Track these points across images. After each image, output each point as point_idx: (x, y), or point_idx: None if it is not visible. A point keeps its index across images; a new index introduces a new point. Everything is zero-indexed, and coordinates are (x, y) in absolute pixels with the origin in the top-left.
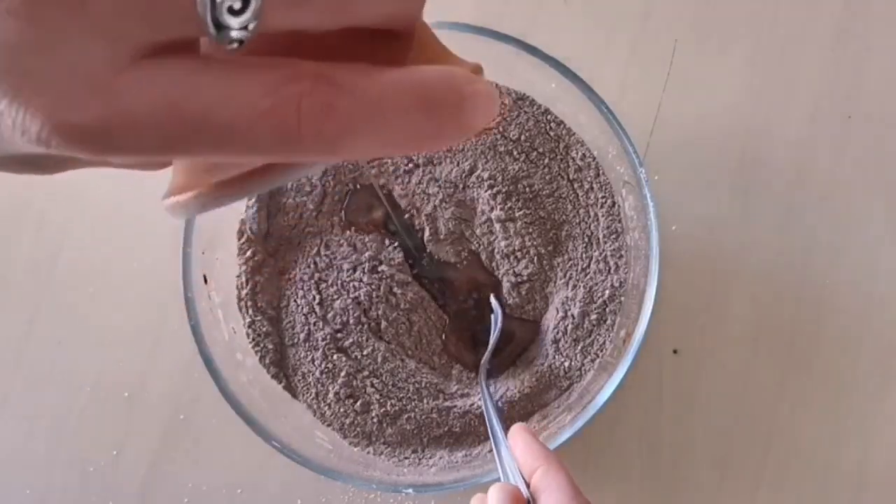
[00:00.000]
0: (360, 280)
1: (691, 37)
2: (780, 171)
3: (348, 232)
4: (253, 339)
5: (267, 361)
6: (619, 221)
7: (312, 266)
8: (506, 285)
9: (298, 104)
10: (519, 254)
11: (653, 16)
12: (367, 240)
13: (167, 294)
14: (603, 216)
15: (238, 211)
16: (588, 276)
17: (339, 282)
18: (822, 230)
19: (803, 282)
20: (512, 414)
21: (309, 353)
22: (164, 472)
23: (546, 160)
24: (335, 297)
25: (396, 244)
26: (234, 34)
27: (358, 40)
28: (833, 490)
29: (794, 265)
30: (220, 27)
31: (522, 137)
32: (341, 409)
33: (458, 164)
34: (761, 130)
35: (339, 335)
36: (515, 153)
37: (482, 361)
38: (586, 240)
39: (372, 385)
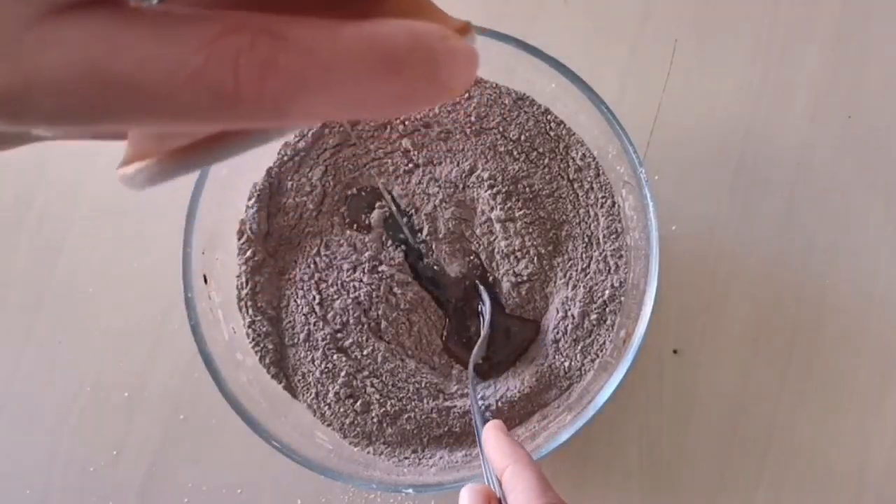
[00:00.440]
0: (360, 280)
1: (691, 37)
2: (780, 171)
3: (348, 232)
4: (253, 339)
5: (267, 361)
6: (619, 221)
7: (312, 266)
8: (506, 285)
9: (236, 61)
10: (519, 254)
11: (653, 16)
12: (367, 240)
13: (167, 294)
14: (603, 216)
15: (238, 211)
16: (588, 276)
17: (339, 282)
18: (822, 230)
19: (803, 282)
20: (512, 413)
21: (309, 353)
22: (164, 472)
23: (546, 160)
24: (335, 297)
25: (397, 244)
26: None
27: None
28: (833, 490)
29: (794, 265)
30: None
31: (522, 137)
32: (341, 409)
33: (458, 164)
34: (761, 130)
35: (339, 335)
36: (515, 153)
37: (472, 356)
38: (586, 240)
39: (372, 385)
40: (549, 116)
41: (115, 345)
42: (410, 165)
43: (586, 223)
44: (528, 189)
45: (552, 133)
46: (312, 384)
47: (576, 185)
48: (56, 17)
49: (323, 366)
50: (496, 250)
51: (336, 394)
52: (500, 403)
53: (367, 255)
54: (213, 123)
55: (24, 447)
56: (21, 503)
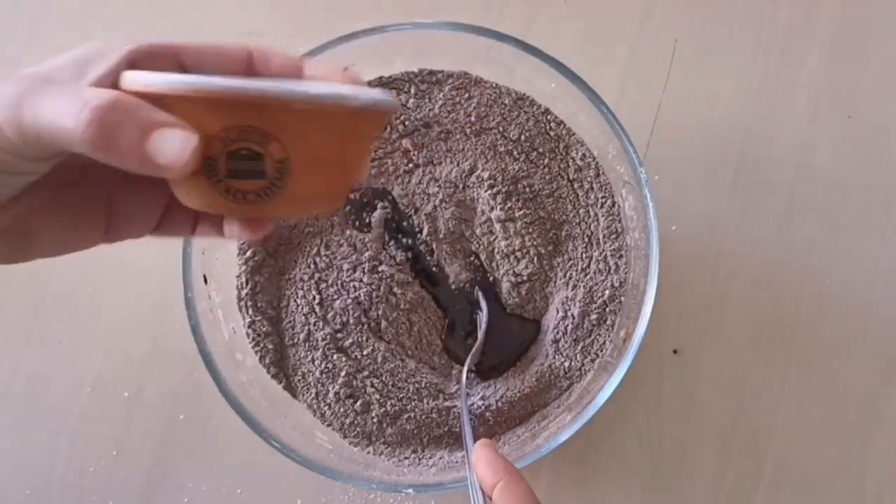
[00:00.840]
0: (360, 280)
1: (691, 37)
2: (780, 170)
3: (348, 231)
4: (253, 339)
5: (267, 361)
6: (619, 221)
7: (312, 266)
8: (506, 285)
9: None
10: (519, 254)
11: (653, 16)
12: (366, 240)
13: (167, 294)
14: (603, 216)
15: None
16: (588, 276)
17: (339, 282)
18: (822, 230)
19: (803, 282)
20: (512, 413)
21: (309, 353)
22: (164, 472)
23: (546, 160)
24: (335, 297)
25: (399, 245)
26: None
27: None
28: (833, 490)
29: (794, 265)
30: None
31: (522, 137)
32: (341, 409)
33: (458, 165)
34: (761, 130)
35: (339, 335)
36: (515, 153)
37: (465, 364)
38: (586, 240)
39: (372, 385)
40: (549, 116)
41: (115, 345)
42: (410, 165)
43: (586, 223)
44: (528, 189)
45: (552, 133)
46: (312, 384)
47: (576, 185)
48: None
49: (323, 366)
50: (496, 250)
51: (336, 394)
52: (500, 403)
53: (366, 255)
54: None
55: (24, 447)
56: (21, 503)
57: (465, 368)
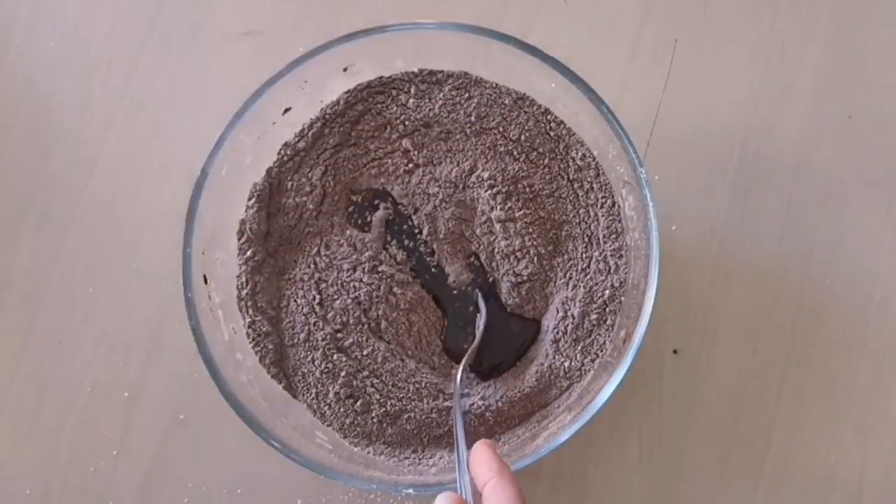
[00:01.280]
0: (360, 280)
1: (691, 37)
2: (780, 170)
3: (348, 231)
4: (253, 339)
5: (267, 361)
6: (619, 221)
7: (312, 266)
8: (506, 285)
9: None
10: (519, 254)
11: (653, 16)
12: (367, 240)
13: (167, 294)
14: (603, 216)
15: (238, 211)
16: (588, 276)
17: (339, 282)
18: (822, 230)
19: (803, 282)
20: (512, 413)
21: (309, 353)
22: (164, 472)
23: (546, 160)
24: (335, 297)
25: (398, 244)
26: None
27: None
28: (833, 490)
29: (794, 265)
30: None
31: (522, 137)
32: (341, 409)
33: (458, 165)
34: (761, 130)
35: (339, 335)
36: (515, 153)
37: (461, 365)
38: (586, 240)
39: (372, 385)
40: (549, 116)
41: (115, 345)
42: (410, 165)
43: (586, 223)
44: (528, 189)
45: (552, 133)
46: (312, 384)
47: (576, 185)
48: None
49: (323, 366)
50: (496, 250)
51: (336, 394)
52: (500, 403)
53: (367, 255)
54: None
55: (24, 447)
56: (21, 503)
57: (461, 368)
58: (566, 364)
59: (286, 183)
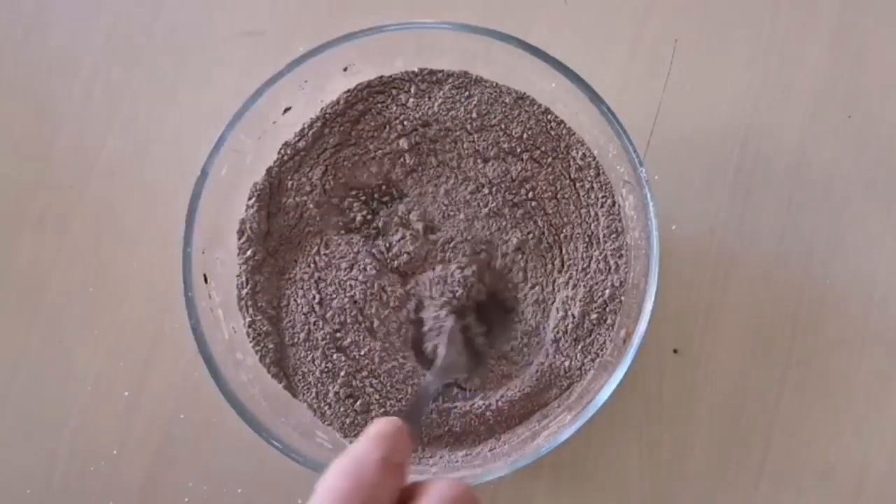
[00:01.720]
0: (356, 279)
1: (691, 36)
2: (780, 170)
3: (347, 230)
4: (253, 339)
5: (267, 361)
6: (620, 221)
7: (312, 265)
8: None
9: None
10: (520, 253)
11: (653, 16)
12: (363, 237)
13: (167, 294)
14: (603, 215)
15: (238, 210)
16: (588, 276)
17: (338, 281)
18: (822, 230)
19: (803, 282)
20: (512, 413)
21: (309, 352)
22: (164, 472)
23: (549, 159)
24: (333, 296)
25: (393, 240)
26: None
27: None
28: (833, 490)
29: (794, 265)
30: None
31: (525, 135)
32: (341, 409)
33: (459, 164)
34: (761, 130)
35: (338, 334)
36: (518, 150)
37: (427, 377)
38: (587, 239)
39: (371, 385)
40: (549, 116)
41: (115, 345)
42: (410, 163)
43: (587, 223)
44: (531, 190)
45: (553, 132)
46: (313, 384)
47: (577, 185)
48: None
49: (323, 365)
50: (497, 248)
51: (336, 393)
52: (500, 403)
53: (362, 252)
54: None
55: (24, 447)
56: (21, 503)
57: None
58: (566, 363)
59: (286, 182)
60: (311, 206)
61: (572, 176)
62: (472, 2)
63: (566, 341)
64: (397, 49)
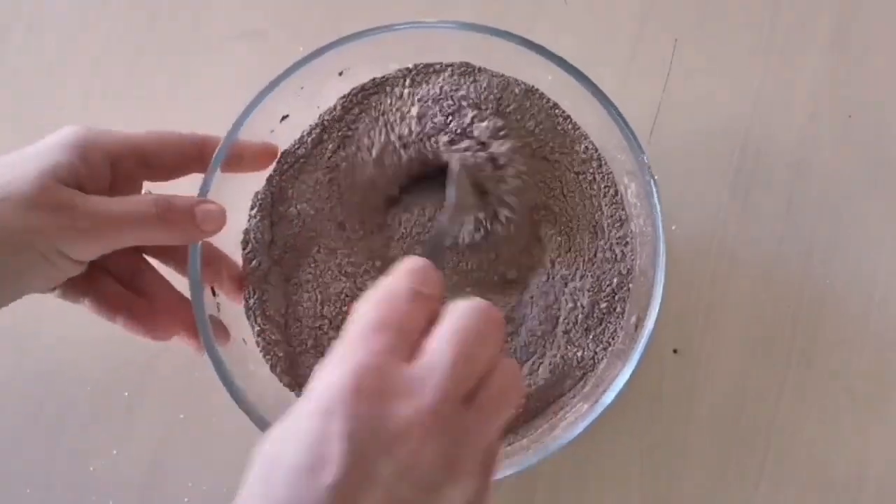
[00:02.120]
0: (357, 278)
1: (691, 36)
2: (780, 170)
3: (349, 234)
4: (263, 349)
5: (278, 370)
6: (623, 210)
7: (316, 270)
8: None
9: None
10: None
11: (653, 15)
12: (367, 240)
13: None
14: (607, 205)
15: (241, 221)
16: (595, 266)
17: (342, 286)
18: (822, 230)
19: (803, 282)
20: (529, 406)
21: (318, 359)
22: (164, 472)
23: (556, 155)
24: (337, 299)
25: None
26: None
27: None
28: (833, 490)
29: (794, 265)
30: None
31: (537, 130)
32: None
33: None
34: (761, 130)
35: None
36: (534, 146)
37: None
38: (592, 230)
39: None
40: (557, 111)
41: (115, 344)
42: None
43: (591, 213)
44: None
45: (560, 128)
46: None
47: (581, 178)
48: None
49: None
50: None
51: None
52: None
53: (366, 254)
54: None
55: (24, 447)
56: (21, 503)
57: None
58: (579, 354)
59: (287, 191)
60: (312, 211)
61: (576, 169)
62: (473, 2)
63: (577, 332)
64: (393, 50)
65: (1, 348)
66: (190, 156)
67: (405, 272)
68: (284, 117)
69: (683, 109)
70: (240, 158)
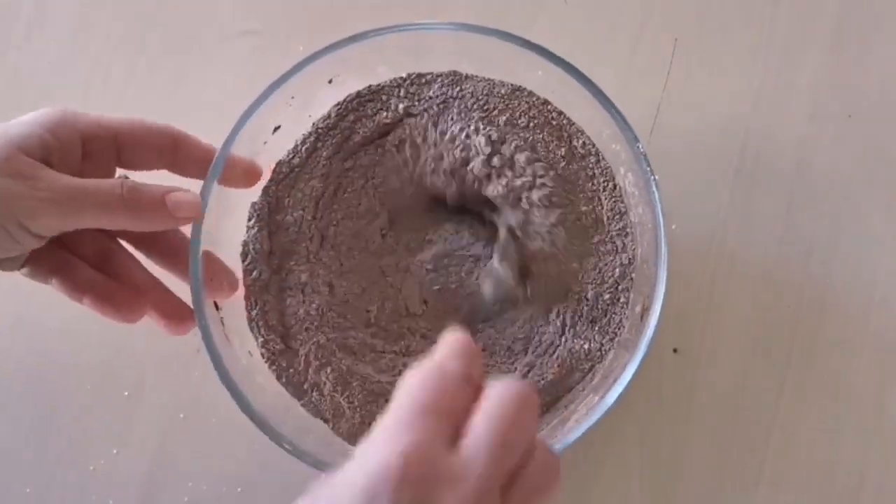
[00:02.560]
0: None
1: (691, 36)
2: (780, 170)
3: (348, 237)
4: (268, 359)
5: (283, 380)
6: (622, 201)
7: (307, 274)
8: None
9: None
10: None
11: (653, 15)
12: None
13: None
14: (606, 198)
15: (239, 233)
16: (597, 258)
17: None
18: (822, 230)
19: (803, 281)
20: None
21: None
22: (164, 472)
23: (551, 149)
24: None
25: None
26: None
27: None
28: (833, 490)
29: (794, 265)
30: None
31: (532, 125)
32: (357, 426)
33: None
34: (761, 130)
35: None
36: (529, 139)
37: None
38: (592, 224)
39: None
40: (549, 106)
41: (115, 343)
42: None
43: (590, 207)
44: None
45: (554, 122)
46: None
47: (580, 174)
48: None
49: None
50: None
51: (350, 405)
52: None
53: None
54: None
55: (25, 446)
56: (21, 502)
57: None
58: (586, 346)
59: (284, 200)
60: (308, 218)
61: (574, 166)
62: (473, 2)
63: (583, 324)
64: (380, 55)
65: (1, 348)
66: (163, 147)
67: (458, 353)
68: (277, 128)
69: (683, 109)
70: (229, 174)
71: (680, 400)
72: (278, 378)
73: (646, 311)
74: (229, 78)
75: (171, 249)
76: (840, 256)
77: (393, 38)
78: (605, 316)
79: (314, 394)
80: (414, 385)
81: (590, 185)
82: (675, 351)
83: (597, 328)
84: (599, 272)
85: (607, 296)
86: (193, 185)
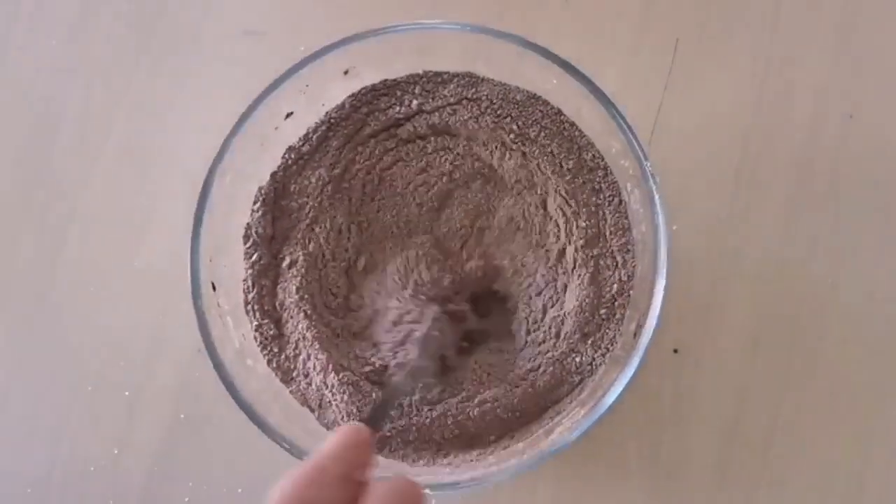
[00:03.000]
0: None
1: (692, 36)
2: (781, 170)
3: (346, 232)
4: (261, 343)
5: (274, 366)
6: (626, 218)
7: (313, 265)
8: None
9: None
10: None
11: (653, 15)
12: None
13: (168, 293)
14: (610, 213)
15: (243, 216)
16: (596, 272)
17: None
18: (822, 230)
19: (804, 282)
20: (525, 410)
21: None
22: (164, 472)
23: (560, 160)
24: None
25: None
26: None
27: None
28: (833, 490)
29: (794, 265)
30: None
31: (542, 136)
32: (343, 415)
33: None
34: (762, 130)
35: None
36: (536, 152)
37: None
38: (593, 238)
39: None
40: (562, 117)
41: (115, 344)
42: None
43: (594, 221)
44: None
45: (566, 133)
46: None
47: (587, 187)
48: None
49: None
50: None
51: (332, 390)
52: (514, 401)
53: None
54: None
55: (25, 447)
56: (21, 503)
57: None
58: (577, 359)
59: (290, 186)
60: (314, 204)
61: (582, 179)
62: (473, 2)
63: (575, 338)
64: (397, 50)
65: (1, 348)
66: None
67: (341, 450)
68: (289, 114)
69: (684, 110)
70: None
71: (680, 400)
72: (269, 363)
73: (639, 329)
74: (231, 79)
75: None
76: (840, 256)
77: (411, 35)
78: (599, 331)
79: (302, 381)
80: (290, 481)
81: (595, 198)
82: (675, 351)
83: (590, 342)
84: (598, 287)
85: (603, 311)
86: (192, 183)
